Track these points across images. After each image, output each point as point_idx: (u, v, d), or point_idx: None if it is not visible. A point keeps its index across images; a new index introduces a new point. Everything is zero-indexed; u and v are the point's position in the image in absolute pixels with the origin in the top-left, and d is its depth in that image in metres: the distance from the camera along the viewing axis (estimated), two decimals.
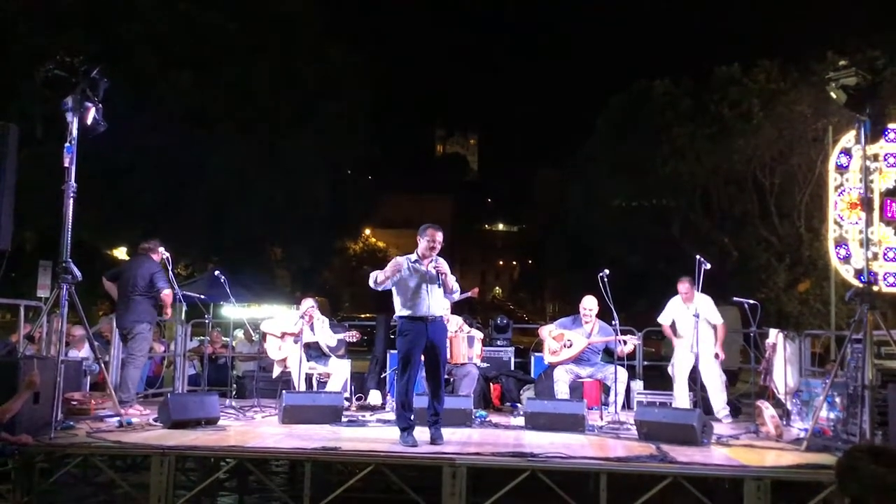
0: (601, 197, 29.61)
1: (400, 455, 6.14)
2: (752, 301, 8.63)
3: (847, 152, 9.17)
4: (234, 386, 10.83)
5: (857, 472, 2.43)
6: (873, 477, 2.39)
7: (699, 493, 5.68)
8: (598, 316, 9.01)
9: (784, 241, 23.96)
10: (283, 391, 8.08)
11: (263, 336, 9.43)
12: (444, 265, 6.69)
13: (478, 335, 9.50)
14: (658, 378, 9.91)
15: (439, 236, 6.74)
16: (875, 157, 8.61)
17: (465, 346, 9.20)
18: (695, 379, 8.37)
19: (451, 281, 6.75)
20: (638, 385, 9.59)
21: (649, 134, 25.99)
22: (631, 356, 9.48)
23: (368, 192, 35.42)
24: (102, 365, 7.94)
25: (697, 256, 7.90)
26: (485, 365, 9.74)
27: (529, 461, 5.83)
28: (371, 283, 6.79)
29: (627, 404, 9.06)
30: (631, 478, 6.06)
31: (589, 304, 8.98)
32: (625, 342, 8.69)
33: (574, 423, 7.38)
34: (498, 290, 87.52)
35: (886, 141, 8.75)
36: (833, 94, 6.43)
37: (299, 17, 25.07)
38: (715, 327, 8.81)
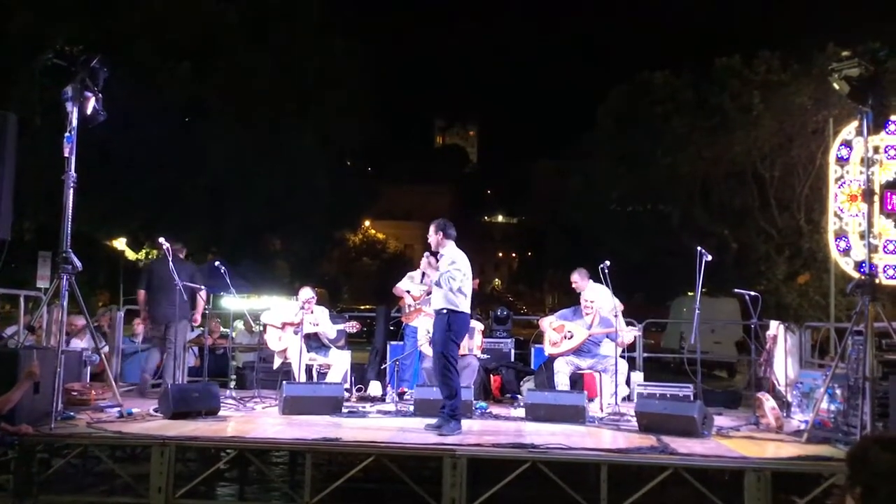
0: (600, 189, 29.58)
1: (400, 446, 6.15)
2: (753, 293, 8.63)
3: (848, 144, 9.15)
4: (235, 377, 10.83)
5: (868, 461, 2.44)
6: (884, 465, 2.40)
7: (700, 485, 5.68)
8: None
9: (784, 233, 23.95)
10: (284, 382, 8.08)
11: (264, 327, 9.42)
12: (429, 267, 6.97)
13: (478, 326, 9.49)
14: (658, 369, 9.91)
15: (429, 230, 7.16)
16: (876, 150, 8.59)
17: (466, 337, 9.21)
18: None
19: (435, 276, 6.95)
20: (638, 376, 9.58)
21: (649, 126, 25.96)
22: (631, 348, 9.47)
23: (368, 183, 35.43)
24: (102, 355, 7.93)
25: (699, 248, 7.89)
26: (485, 356, 9.74)
27: (530, 452, 5.83)
28: None
29: (628, 396, 9.06)
30: (631, 469, 6.08)
31: (590, 295, 8.98)
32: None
33: (574, 415, 7.38)
34: (497, 281, 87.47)
35: (887, 133, 8.73)
36: (836, 85, 6.41)
37: (299, 8, 25.01)
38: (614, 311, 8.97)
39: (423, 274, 7.20)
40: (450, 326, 6.91)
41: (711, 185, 25.86)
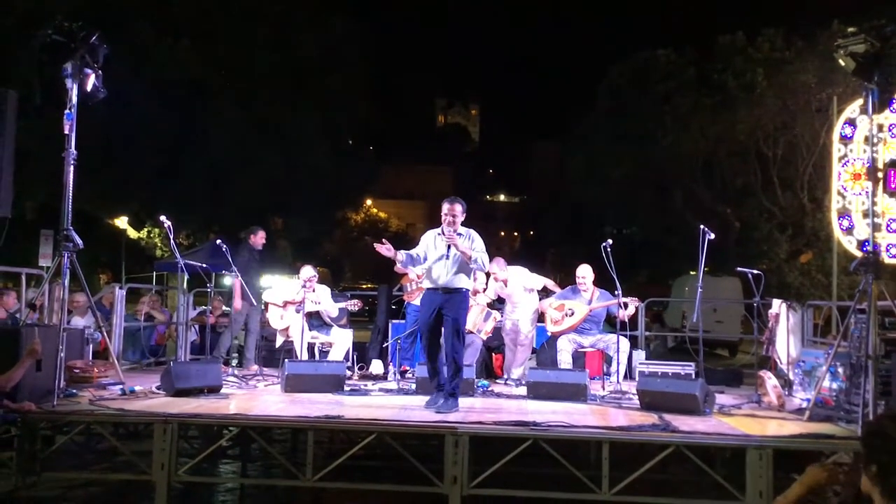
0: (602, 167, 29.49)
1: (402, 423, 6.15)
2: (755, 271, 8.60)
3: (851, 122, 9.10)
4: (236, 355, 10.85)
5: (885, 439, 2.42)
6: None
7: (701, 462, 5.69)
8: (601, 286, 9.01)
9: (786, 212, 23.92)
10: (286, 360, 8.08)
11: (266, 305, 9.43)
12: (456, 237, 6.79)
13: (496, 315, 9.48)
14: (660, 348, 9.90)
15: (456, 208, 6.89)
16: (880, 128, 8.55)
17: (481, 318, 9.22)
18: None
19: (469, 251, 6.80)
20: (640, 355, 9.58)
21: (651, 104, 25.83)
22: (633, 326, 9.46)
23: (370, 162, 35.33)
24: (104, 333, 7.94)
25: (701, 226, 7.85)
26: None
27: (531, 430, 5.83)
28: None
29: (629, 374, 9.06)
30: (633, 447, 6.08)
31: (582, 271, 9.03)
32: (626, 305, 8.67)
33: (576, 393, 7.38)
34: (499, 258, 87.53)
35: (892, 111, 8.68)
36: (841, 62, 6.34)
37: None
38: (543, 289, 9.41)
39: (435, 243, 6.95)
40: (466, 305, 7.05)
41: (714, 164, 25.82)
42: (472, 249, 6.83)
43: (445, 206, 6.90)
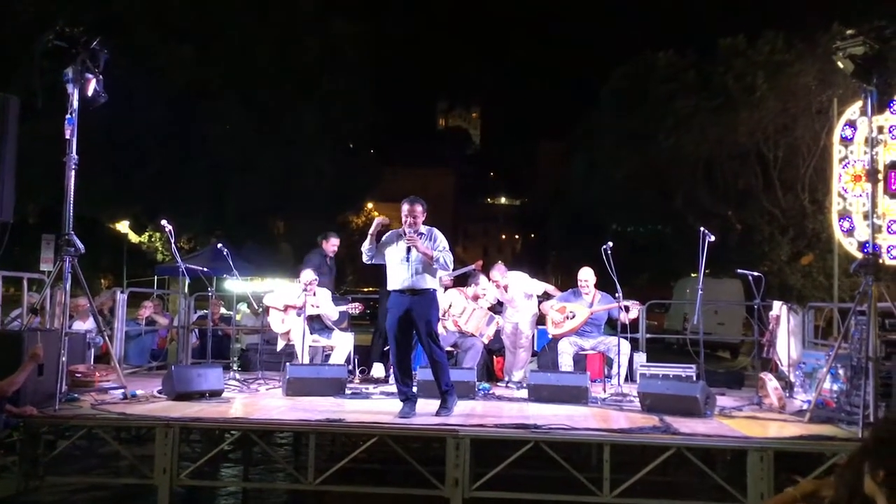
0: (604, 169, 29.50)
1: (404, 427, 6.16)
2: (756, 273, 8.61)
3: (852, 124, 9.10)
4: (237, 358, 10.86)
5: (894, 445, 2.38)
6: None
7: (702, 465, 5.70)
8: (602, 289, 9.02)
9: (787, 214, 23.94)
10: (287, 364, 8.09)
11: (266, 309, 9.44)
12: (417, 238, 6.62)
13: (498, 319, 9.49)
14: (661, 350, 9.89)
15: (416, 208, 6.70)
16: (880, 130, 8.55)
17: (484, 322, 9.22)
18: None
19: (430, 252, 6.63)
20: (641, 357, 9.57)
21: (653, 106, 25.84)
22: (634, 328, 9.47)
23: (371, 165, 35.33)
24: (106, 337, 7.95)
25: (701, 229, 7.86)
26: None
27: (533, 433, 5.84)
28: (364, 258, 6.94)
29: (630, 376, 9.06)
30: (634, 449, 6.10)
31: (585, 275, 9.03)
32: (628, 308, 8.67)
33: (577, 395, 7.39)
34: (500, 263, 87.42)
35: (892, 113, 8.68)
36: (840, 64, 6.35)
37: None
38: (543, 294, 9.52)
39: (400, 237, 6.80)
40: (436, 305, 6.90)
41: (715, 166, 25.81)
42: (434, 249, 6.68)
43: (405, 207, 6.69)
